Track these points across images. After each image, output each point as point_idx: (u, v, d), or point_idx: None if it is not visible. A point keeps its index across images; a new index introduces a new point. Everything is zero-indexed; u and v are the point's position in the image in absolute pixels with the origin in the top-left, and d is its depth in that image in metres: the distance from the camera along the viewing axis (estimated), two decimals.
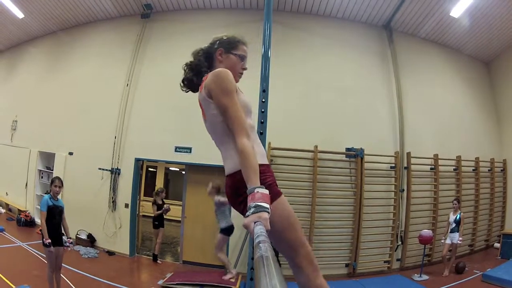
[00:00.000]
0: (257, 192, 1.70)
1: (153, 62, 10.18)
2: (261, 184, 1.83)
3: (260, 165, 1.98)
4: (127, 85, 10.03)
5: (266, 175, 2.08)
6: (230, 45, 2.41)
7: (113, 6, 10.36)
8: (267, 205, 1.65)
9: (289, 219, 2.09)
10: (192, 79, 2.43)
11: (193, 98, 8.24)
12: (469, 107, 11.45)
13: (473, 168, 10.82)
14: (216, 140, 2.27)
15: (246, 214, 1.64)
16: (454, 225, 8.89)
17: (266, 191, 1.72)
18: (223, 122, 2.10)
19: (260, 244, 1.24)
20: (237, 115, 2.00)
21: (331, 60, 10.00)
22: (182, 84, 2.51)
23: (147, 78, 10.09)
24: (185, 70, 2.48)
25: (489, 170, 11.20)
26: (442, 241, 9.10)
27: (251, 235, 1.52)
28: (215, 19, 10.04)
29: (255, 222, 1.56)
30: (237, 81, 2.34)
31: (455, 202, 9.10)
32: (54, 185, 6.23)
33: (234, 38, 2.45)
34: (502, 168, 11.52)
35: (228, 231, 7.79)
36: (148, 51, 10.28)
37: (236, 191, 2.09)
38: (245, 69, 2.45)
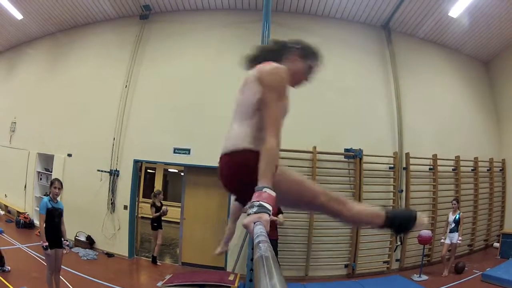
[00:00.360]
0: (265, 191, 1.69)
1: (152, 63, 10.18)
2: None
3: None
4: (126, 86, 10.04)
5: None
6: (308, 53, 2.39)
7: (111, 7, 10.36)
8: (270, 207, 1.65)
9: (297, 184, 2.14)
10: (251, 59, 2.43)
11: (192, 99, 8.27)
12: (468, 107, 11.47)
13: (472, 168, 10.83)
14: (237, 114, 2.24)
15: (248, 211, 1.64)
16: (453, 225, 8.91)
17: (274, 194, 1.72)
18: (255, 105, 2.09)
19: (260, 244, 1.23)
20: (277, 115, 1.98)
21: (330, 60, 9.97)
22: (245, 57, 2.49)
23: (146, 79, 10.09)
24: (257, 48, 2.47)
25: (488, 170, 11.21)
26: (442, 241, 9.11)
27: (251, 235, 1.51)
28: (214, 20, 10.09)
29: (254, 223, 1.56)
30: (293, 86, 2.38)
31: (454, 202, 9.11)
32: (53, 186, 6.22)
33: (315, 50, 2.44)
34: (501, 168, 11.53)
35: None
36: (147, 52, 10.28)
37: (235, 171, 2.09)
38: (306, 80, 2.45)
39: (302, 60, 2.35)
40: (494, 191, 11.25)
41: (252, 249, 5.06)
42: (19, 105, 12.37)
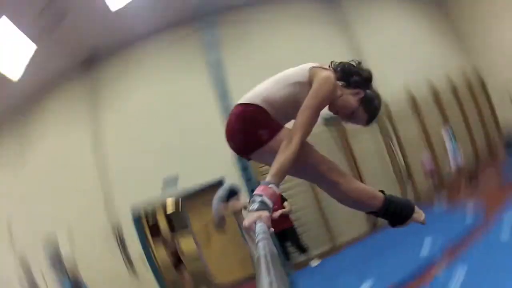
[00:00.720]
0: (271, 188, 1.70)
1: (116, 104, 10.13)
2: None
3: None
4: (95, 143, 9.94)
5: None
6: (367, 102, 2.21)
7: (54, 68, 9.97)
8: (271, 205, 1.66)
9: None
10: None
11: (166, 129, 8.09)
12: (428, 34, 11.72)
13: (451, 87, 10.82)
14: (269, 81, 2.26)
15: (249, 207, 1.66)
16: (452, 146, 8.93)
17: (278, 192, 1.73)
18: (291, 86, 2.14)
19: (259, 243, 1.25)
20: (311, 122, 1.98)
21: (286, 40, 10.07)
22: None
23: (115, 124, 10.01)
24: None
25: (465, 85, 11.20)
26: (448, 166, 9.12)
27: (252, 236, 1.50)
28: (161, 44, 10.05)
29: (255, 223, 1.55)
30: (330, 109, 2.26)
31: (445, 124, 9.16)
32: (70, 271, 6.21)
33: (377, 107, 2.28)
34: (476, 79, 11.55)
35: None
36: (107, 98, 10.21)
37: (242, 121, 2.13)
38: (341, 117, 2.30)
39: (358, 103, 2.19)
40: (479, 102, 11.31)
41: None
42: (8, 206, 12.06)
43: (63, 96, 10.63)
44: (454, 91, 10.87)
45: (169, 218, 16.91)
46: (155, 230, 14.61)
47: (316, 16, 10.60)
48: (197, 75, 9.16)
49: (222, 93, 5.19)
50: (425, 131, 10.05)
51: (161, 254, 11.27)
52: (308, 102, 1.99)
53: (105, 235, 9.70)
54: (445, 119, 10.17)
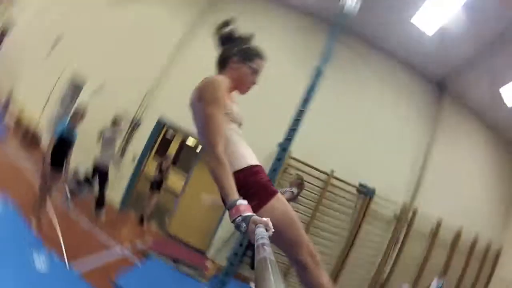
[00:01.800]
0: (241, 205, 1.72)
1: None
2: (258, 183, 2.07)
3: (253, 166, 2.15)
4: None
5: (261, 175, 2.16)
6: (246, 56, 2.38)
7: None
8: (251, 213, 1.68)
9: (289, 216, 2.12)
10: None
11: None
12: (493, 186, 10.76)
13: (471, 243, 10.26)
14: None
15: (240, 230, 1.66)
16: None
17: (246, 202, 1.75)
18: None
19: (264, 247, 1.29)
20: (218, 128, 2.02)
21: (375, 97, 9.93)
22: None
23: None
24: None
25: (483, 250, 10.37)
26: None
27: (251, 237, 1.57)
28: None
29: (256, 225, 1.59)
30: (243, 93, 2.45)
31: (440, 277, 8.86)
32: (75, 115, 6.22)
33: (253, 50, 2.43)
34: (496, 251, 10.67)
35: None
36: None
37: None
38: (254, 83, 2.45)
39: (243, 64, 2.36)
40: (482, 273, 10.68)
41: (241, 244, 5.13)
42: (70, 22, 11.90)
43: None
44: (470, 249, 10.15)
45: (180, 150, 17.14)
46: (162, 147, 14.72)
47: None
48: None
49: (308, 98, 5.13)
50: (427, 258, 9.69)
51: (151, 168, 11.37)
52: (206, 111, 2.04)
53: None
54: (445, 270, 9.74)
